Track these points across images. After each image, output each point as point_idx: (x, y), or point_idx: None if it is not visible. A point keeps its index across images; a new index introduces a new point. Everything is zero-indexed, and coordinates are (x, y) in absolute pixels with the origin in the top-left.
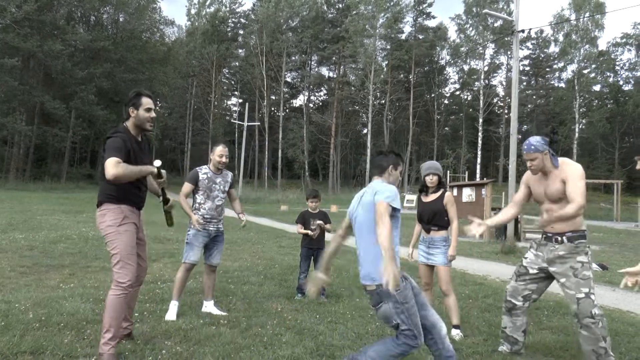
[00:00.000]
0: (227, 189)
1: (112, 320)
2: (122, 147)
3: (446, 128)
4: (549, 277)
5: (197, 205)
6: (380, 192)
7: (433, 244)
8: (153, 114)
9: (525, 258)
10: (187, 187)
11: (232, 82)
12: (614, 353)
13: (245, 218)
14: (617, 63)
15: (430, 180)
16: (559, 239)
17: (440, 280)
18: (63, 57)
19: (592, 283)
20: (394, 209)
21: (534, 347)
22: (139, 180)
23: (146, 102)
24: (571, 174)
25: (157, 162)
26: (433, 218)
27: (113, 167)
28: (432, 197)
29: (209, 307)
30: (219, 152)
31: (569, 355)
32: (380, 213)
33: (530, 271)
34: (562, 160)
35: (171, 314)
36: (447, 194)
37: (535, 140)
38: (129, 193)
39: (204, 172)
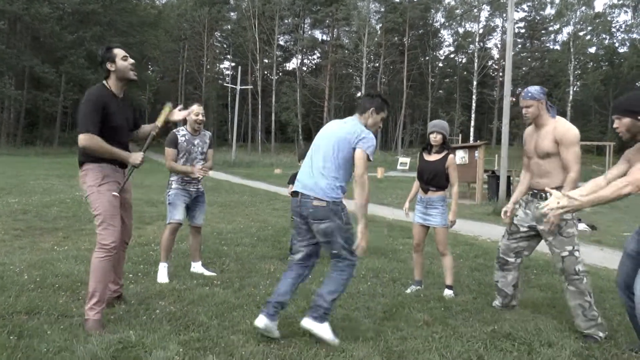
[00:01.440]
0: (205, 149)
1: (96, 284)
2: (96, 113)
3: (440, 91)
4: (539, 235)
5: (188, 167)
6: (364, 141)
7: (431, 204)
8: (131, 60)
9: (516, 216)
10: (170, 152)
11: (225, 46)
12: (599, 308)
13: (199, 173)
14: (613, 25)
15: (435, 138)
16: (543, 195)
17: (438, 241)
18: (51, 21)
19: (576, 240)
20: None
21: (523, 304)
22: (119, 135)
23: (119, 52)
24: (567, 138)
25: (154, 127)
26: (433, 178)
27: (84, 140)
28: (434, 156)
29: (197, 267)
30: (195, 112)
31: (556, 311)
32: (362, 168)
33: (521, 229)
34: (558, 119)
35: (162, 276)
36: (451, 156)
37: (533, 88)
38: None
39: (182, 134)
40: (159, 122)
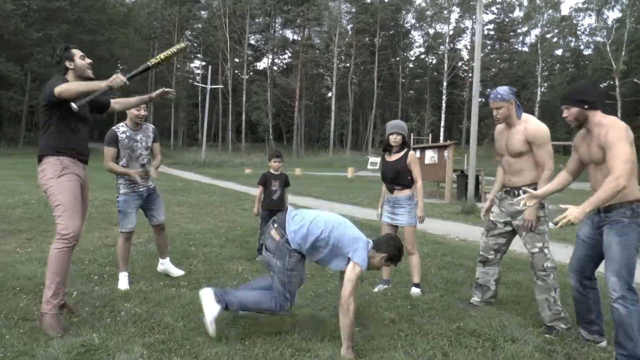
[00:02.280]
0: (150, 144)
1: (54, 276)
2: (63, 82)
3: (411, 91)
4: (514, 231)
5: (127, 169)
6: (361, 259)
7: (398, 203)
8: (88, 60)
9: (492, 213)
10: (109, 151)
11: (195, 45)
12: (563, 304)
13: (154, 175)
14: (579, 28)
15: (394, 139)
16: (516, 192)
17: (405, 240)
18: (16, 18)
19: (547, 237)
20: None
21: (488, 302)
22: (79, 128)
23: (77, 52)
24: (539, 137)
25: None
26: (396, 177)
27: (58, 89)
28: (395, 156)
29: (165, 264)
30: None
31: (520, 308)
32: (353, 281)
33: (498, 225)
34: (526, 117)
35: (123, 284)
36: (411, 153)
37: (502, 89)
38: (68, 143)
39: (122, 130)
40: (163, 54)
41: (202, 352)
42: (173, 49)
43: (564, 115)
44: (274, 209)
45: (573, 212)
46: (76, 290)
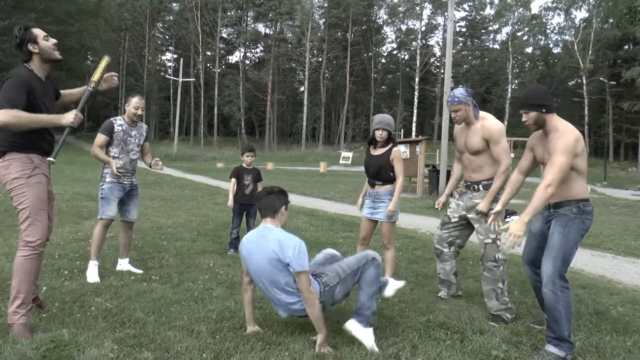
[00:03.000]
0: (142, 142)
1: (21, 285)
2: (21, 92)
3: (383, 87)
4: (470, 225)
5: (111, 158)
6: (294, 260)
7: (378, 198)
8: (54, 40)
9: (449, 207)
10: (101, 138)
11: (167, 37)
12: (509, 295)
13: (161, 163)
14: (548, 27)
15: (380, 135)
16: (476, 187)
17: (383, 234)
18: None
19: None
20: None
21: (455, 295)
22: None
23: (39, 32)
24: (493, 133)
25: (88, 84)
26: (378, 172)
27: (4, 116)
28: (379, 151)
29: (123, 264)
30: (134, 104)
31: None
32: (306, 290)
33: (452, 220)
34: (482, 114)
35: (92, 276)
36: (395, 149)
37: (459, 92)
38: (38, 139)
39: (119, 123)
40: (96, 75)
41: (173, 346)
42: (102, 66)
43: (523, 119)
44: (245, 202)
45: (514, 228)
46: (46, 285)
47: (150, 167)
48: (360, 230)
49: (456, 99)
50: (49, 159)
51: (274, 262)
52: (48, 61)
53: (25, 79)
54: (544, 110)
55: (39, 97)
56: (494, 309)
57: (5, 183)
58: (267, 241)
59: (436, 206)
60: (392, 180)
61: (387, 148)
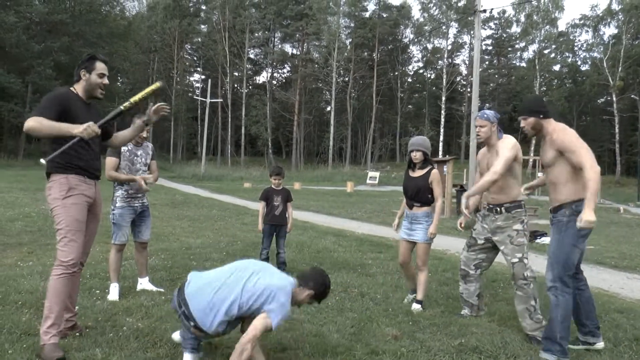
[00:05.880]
0: (149, 161)
1: (52, 305)
2: (52, 105)
3: (409, 106)
4: (495, 247)
5: (134, 176)
6: (275, 311)
7: (416, 219)
8: (106, 81)
9: (474, 230)
10: (111, 161)
11: (195, 58)
12: (542, 313)
13: (151, 180)
14: (576, 44)
15: (415, 156)
16: (498, 209)
17: (418, 255)
18: (17, 30)
19: (526, 249)
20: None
21: (490, 318)
22: (90, 144)
23: (100, 66)
24: (502, 146)
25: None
26: (417, 194)
27: (26, 123)
28: (418, 172)
29: (143, 284)
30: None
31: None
32: (257, 330)
33: (479, 242)
34: (506, 137)
35: (113, 295)
36: (434, 171)
37: (489, 112)
38: (76, 160)
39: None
40: (137, 97)
41: None
42: (148, 90)
43: (522, 125)
44: (276, 223)
45: (587, 215)
46: (78, 305)
47: (145, 183)
48: (399, 254)
49: (485, 115)
50: (40, 160)
51: (252, 297)
52: (88, 93)
53: (59, 96)
54: (541, 116)
55: (77, 115)
56: (528, 329)
57: (49, 204)
58: (265, 287)
59: (459, 227)
60: (430, 202)
61: (427, 170)
